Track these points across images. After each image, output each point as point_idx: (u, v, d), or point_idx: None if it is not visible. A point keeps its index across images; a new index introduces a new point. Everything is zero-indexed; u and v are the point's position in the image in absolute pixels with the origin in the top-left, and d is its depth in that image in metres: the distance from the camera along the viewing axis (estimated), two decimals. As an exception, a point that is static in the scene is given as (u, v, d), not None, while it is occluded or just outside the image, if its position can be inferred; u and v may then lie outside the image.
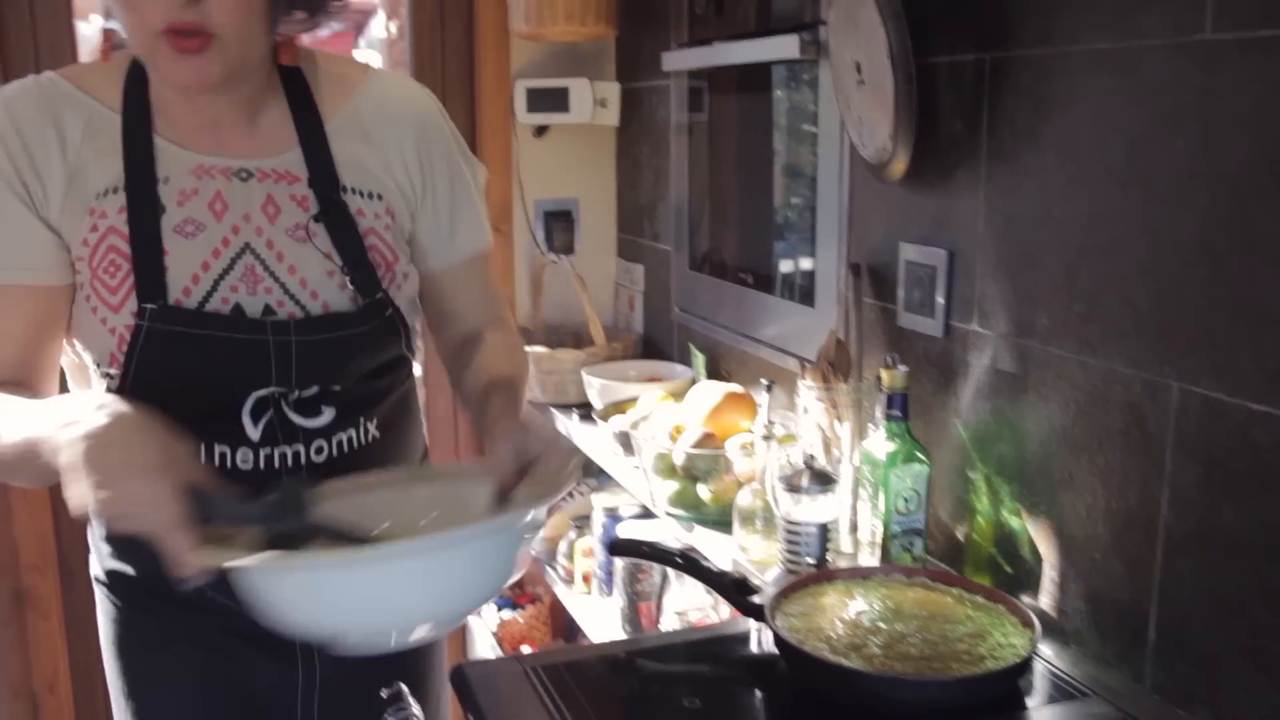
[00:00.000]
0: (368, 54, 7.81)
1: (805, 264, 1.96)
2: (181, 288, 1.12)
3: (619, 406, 2.18)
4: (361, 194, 1.23)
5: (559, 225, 2.69)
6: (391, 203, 1.25)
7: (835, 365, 1.66)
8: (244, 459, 1.17)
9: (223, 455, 1.17)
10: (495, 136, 2.62)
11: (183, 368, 1.13)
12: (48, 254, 1.13)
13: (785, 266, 2.08)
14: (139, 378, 1.13)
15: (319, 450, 1.21)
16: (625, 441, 2.02)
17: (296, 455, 1.19)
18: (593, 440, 2.24)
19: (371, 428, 1.26)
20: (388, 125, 1.26)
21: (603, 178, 2.74)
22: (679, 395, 2.19)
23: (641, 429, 1.92)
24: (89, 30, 2.51)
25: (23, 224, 1.12)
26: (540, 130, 2.64)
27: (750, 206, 2.24)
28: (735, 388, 1.94)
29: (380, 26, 6.31)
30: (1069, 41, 1.31)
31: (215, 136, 1.18)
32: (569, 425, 2.38)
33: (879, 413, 1.49)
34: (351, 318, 1.20)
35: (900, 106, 1.50)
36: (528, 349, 2.47)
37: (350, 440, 1.24)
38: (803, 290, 1.96)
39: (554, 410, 2.46)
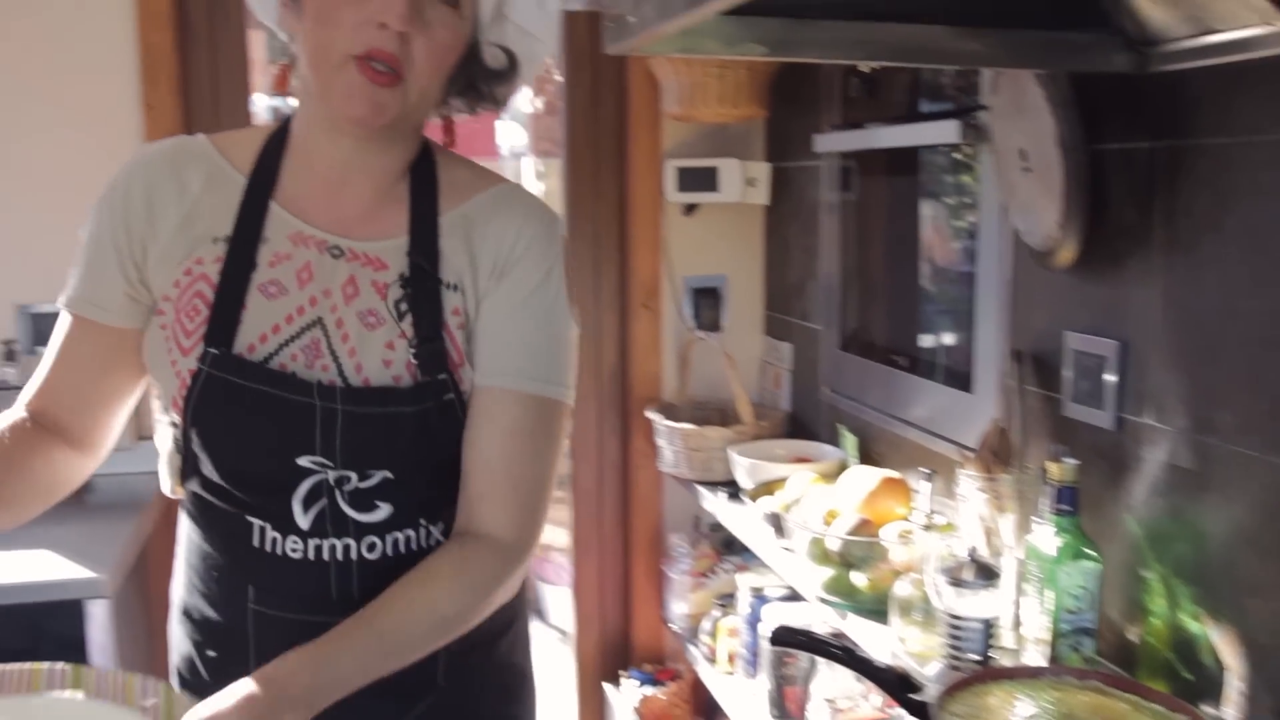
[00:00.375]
0: (510, 127, 8.05)
1: (962, 348, 1.93)
2: (248, 343, 1.13)
3: (768, 486, 2.17)
4: (447, 286, 1.18)
5: (706, 302, 2.71)
6: (468, 303, 1.18)
7: (998, 454, 1.62)
8: (294, 547, 1.16)
9: (274, 540, 1.16)
10: (645, 214, 2.66)
11: (232, 420, 1.14)
12: (124, 299, 1.17)
13: (940, 350, 2.05)
14: (196, 428, 1.14)
15: (371, 547, 1.16)
16: (777, 523, 2.00)
17: (347, 549, 1.16)
18: (740, 519, 2.23)
19: (435, 531, 1.20)
20: (488, 231, 1.19)
21: (750, 255, 2.76)
22: (829, 477, 2.17)
23: (794, 512, 1.90)
24: (270, 104, 2.64)
25: (110, 268, 1.16)
26: (690, 208, 2.68)
27: (902, 288, 2.22)
28: (890, 473, 1.91)
29: (525, 101, 6.49)
30: (1252, 132, 1.27)
31: (329, 207, 1.18)
32: (715, 503, 2.38)
33: (1045, 506, 1.45)
34: (401, 395, 1.14)
35: (1069, 194, 1.48)
36: (674, 425, 2.50)
37: (409, 541, 1.18)
38: (959, 375, 1.93)
39: (700, 487, 2.46)
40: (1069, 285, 1.60)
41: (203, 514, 1.22)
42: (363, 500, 1.15)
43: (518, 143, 7.95)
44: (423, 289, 1.16)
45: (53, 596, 1.85)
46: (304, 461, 1.13)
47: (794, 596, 2.15)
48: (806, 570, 1.83)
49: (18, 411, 1.21)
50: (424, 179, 1.21)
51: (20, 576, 1.85)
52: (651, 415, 2.60)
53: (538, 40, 1.23)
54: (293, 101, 1.22)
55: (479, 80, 1.21)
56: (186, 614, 1.27)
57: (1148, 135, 1.43)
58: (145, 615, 2.37)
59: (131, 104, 2.36)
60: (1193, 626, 1.36)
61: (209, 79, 2.46)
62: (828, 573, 1.77)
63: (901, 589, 1.63)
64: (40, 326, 2.37)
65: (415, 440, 1.14)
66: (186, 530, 1.25)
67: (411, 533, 1.18)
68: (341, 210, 1.18)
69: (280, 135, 1.20)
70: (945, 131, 1.83)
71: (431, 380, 1.15)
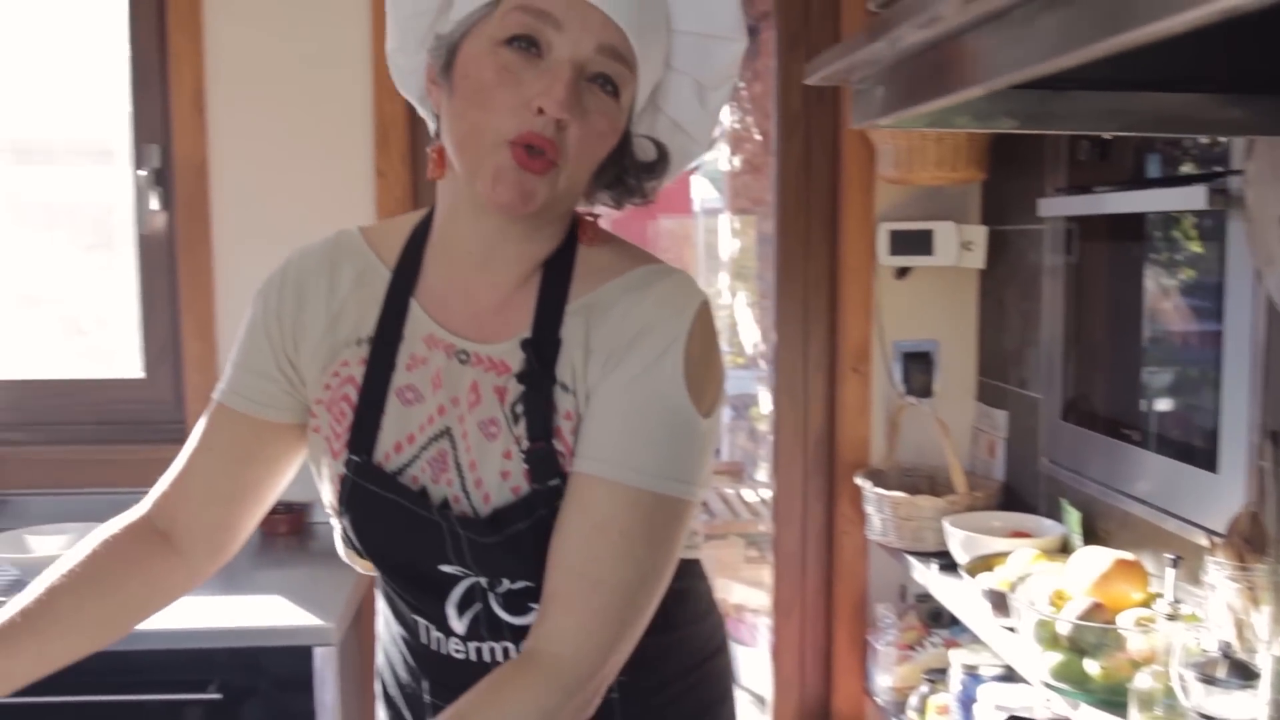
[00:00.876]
0: (704, 185, 8.12)
1: (1204, 423, 1.82)
2: (384, 451, 1.12)
3: (986, 561, 2.09)
4: (561, 386, 1.10)
5: (917, 367, 2.65)
6: (579, 404, 1.10)
7: (1250, 542, 1.52)
8: (457, 649, 1.15)
9: (438, 640, 1.16)
10: (856, 277, 2.63)
11: (378, 525, 1.13)
12: (271, 392, 1.17)
13: (1178, 425, 1.95)
14: (353, 528, 1.14)
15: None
16: (999, 602, 1.92)
17: (506, 651, 1.14)
18: (954, 593, 2.15)
19: None
20: (608, 318, 1.10)
21: (964, 320, 2.68)
22: (1051, 553, 2.07)
23: (1018, 590, 1.82)
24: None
25: (262, 360, 1.17)
26: (902, 271, 2.63)
27: (1134, 357, 2.12)
28: (1125, 555, 1.81)
29: (722, 158, 6.54)
30: None
31: (464, 301, 1.14)
32: (926, 574, 2.31)
33: (1308, 600, 1.35)
34: (515, 511, 1.08)
35: (1340, 267, 1.39)
36: (885, 493, 2.44)
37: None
38: (1201, 452, 1.82)
39: (910, 557, 2.39)
40: (1333, 363, 1.49)
41: (385, 595, 1.23)
42: (515, 603, 1.12)
43: (711, 199, 8.01)
44: (537, 389, 1.08)
45: (282, 642, 1.93)
46: (446, 569, 1.12)
47: (1011, 677, 2.05)
48: (1031, 653, 1.74)
49: (138, 511, 1.21)
50: (560, 268, 1.13)
51: (251, 620, 1.94)
52: (860, 481, 2.55)
53: (692, 138, 1.18)
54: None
55: (628, 173, 1.15)
56: (383, 687, 1.29)
57: None
58: (368, 659, 2.45)
59: (365, 171, 2.48)
60: None
61: (437, 144, 2.57)
62: (1056, 657, 1.69)
63: (1142, 681, 1.54)
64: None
65: (540, 549, 1.06)
66: (382, 602, 1.26)
67: None
68: (476, 304, 1.13)
69: (425, 224, 1.18)
70: (1191, 198, 1.74)
71: (544, 488, 1.07)
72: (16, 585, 2.08)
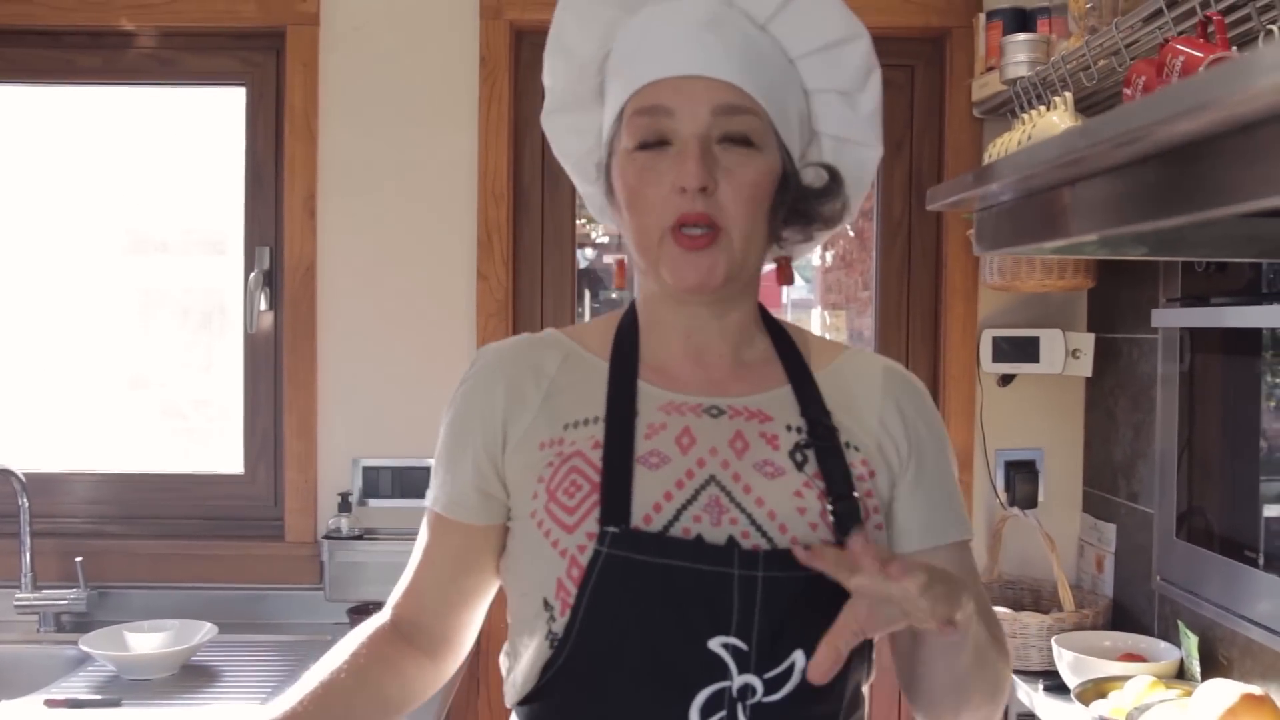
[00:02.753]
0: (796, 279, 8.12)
1: (1335, 551, 1.73)
2: (643, 515, 1.06)
3: (1099, 686, 2.00)
4: (846, 443, 1.15)
5: (1021, 476, 2.58)
6: (872, 462, 1.16)
7: (1394, 683, 1.43)
8: None
9: None
10: (958, 384, 2.58)
11: (638, 603, 1.04)
12: (481, 495, 1.17)
13: (1306, 550, 1.86)
14: (588, 615, 1.05)
15: None
16: (1113, 732, 1.84)
17: None
18: (1063, 718, 2.06)
19: None
20: (871, 387, 1.20)
21: (1070, 429, 2.62)
22: (1168, 679, 1.98)
23: (1137, 723, 1.74)
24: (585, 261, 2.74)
25: (467, 463, 1.17)
26: (1006, 379, 2.58)
27: (1251, 473, 2.03)
28: (1252, 689, 1.72)
29: (815, 254, 6.54)
30: None
31: (694, 373, 1.17)
32: (1033, 696, 2.22)
33: None
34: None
35: None
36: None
37: None
38: (1331, 580, 1.73)
39: (1015, 677, 2.30)
40: None
41: None
42: (766, 716, 1.04)
43: (800, 293, 8.01)
44: (826, 445, 1.13)
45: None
46: (715, 645, 1.03)
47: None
48: (1154, 791, 1.66)
49: (383, 617, 1.25)
50: (777, 332, 1.23)
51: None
52: (961, 594, 2.47)
53: (860, 145, 1.20)
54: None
55: (802, 204, 1.17)
56: None
57: None
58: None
59: (467, 273, 2.52)
60: None
61: (538, 247, 2.60)
62: (1182, 798, 1.60)
63: (1279, 831, 1.45)
64: (370, 479, 2.51)
65: (834, 612, 1.00)
66: None
67: None
68: (709, 370, 1.18)
69: (630, 317, 1.22)
70: (1319, 316, 1.68)
71: (847, 538, 1.04)
72: (113, 682, 2.10)
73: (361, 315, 2.53)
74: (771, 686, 1.04)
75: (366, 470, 2.52)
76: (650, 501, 1.07)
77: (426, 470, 2.50)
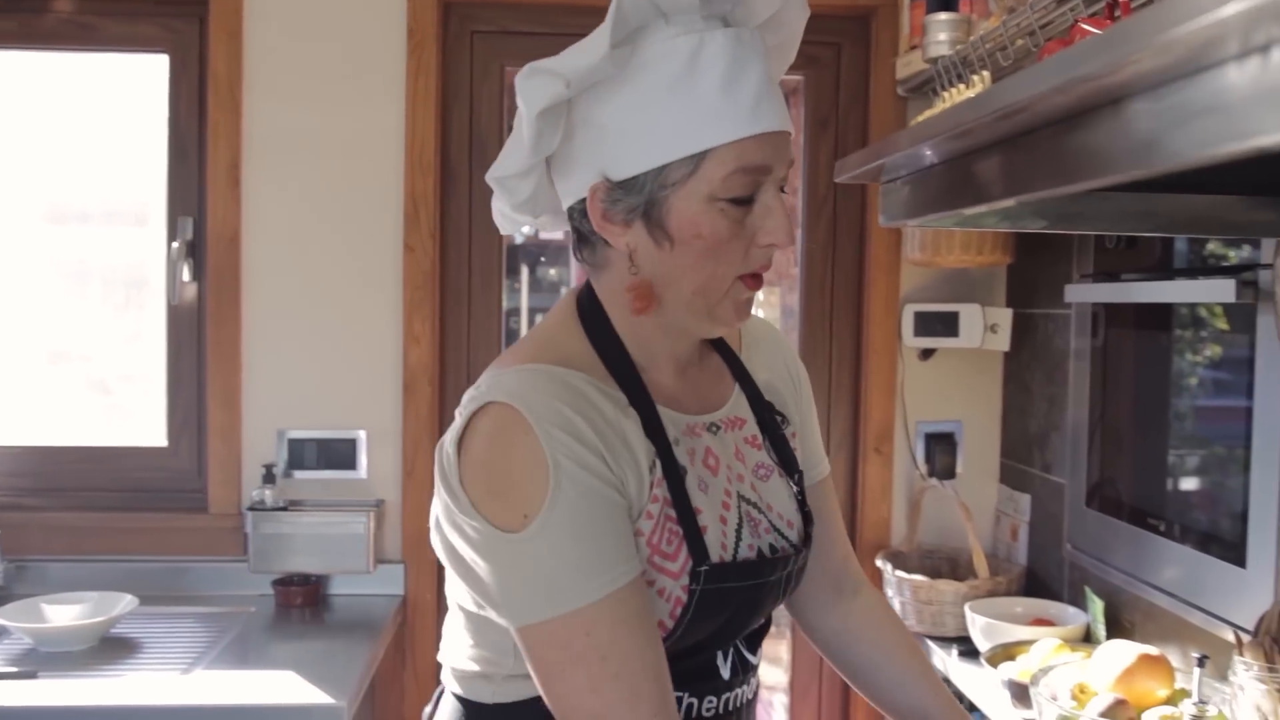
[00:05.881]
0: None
1: (1233, 517, 1.80)
2: (719, 544, 1.11)
3: (1008, 650, 2.06)
4: (780, 416, 1.28)
5: (940, 448, 2.63)
6: (793, 424, 1.30)
7: (1279, 643, 1.50)
8: (708, 708, 1.16)
9: (690, 705, 1.15)
10: (880, 358, 2.63)
11: (719, 618, 1.12)
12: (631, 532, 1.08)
13: (1206, 518, 1.93)
14: (688, 633, 1.10)
15: (754, 689, 1.22)
16: (1019, 693, 1.89)
17: (741, 694, 1.20)
18: (973, 680, 2.12)
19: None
20: (771, 354, 1.33)
21: (988, 402, 2.68)
22: (1074, 643, 2.05)
23: (1041, 684, 1.79)
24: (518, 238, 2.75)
25: (625, 514, 1.06)
26: (926, 353, 2.63)
27: (1159, 445, 2.10)
28: (1150, 650, 1.79)
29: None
30: None
31: (684, 392, 1.19)
32: (945, 660, 2.28)
33: (1341, 706, 1.32)
34: (808, 534, 1.24)
35: (1370, 368, 1.38)
36: (905, 576, 2.42)
37: (758, 679, 1.25)
38: (1229, 546, 1.80)
39: (930, 642, 2.36)
40: (1364, 462, 1.48)
41: None
42: (753, 642, 1.22)
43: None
44: (775, 431, 1.25)
45: (293, 720, 1.92)
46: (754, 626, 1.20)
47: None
48: (1056, 749, 1.71)
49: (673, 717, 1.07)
50: None
51: (265, 698, 1.92)
52: (880, 563, 2.53)
53: None
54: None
55: None
56: None
57: None
58: (374, 735, 2.43)
59: (394, 246, 2.51)
60: None
61: (465, 220, 2.60)
62: (1081, 755, 1.66)
63: (1170, 783, 1.51)
64: (296, 451, 2.51)
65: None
66: None
67: (761, 666, 1.25)
68: (695, 386, 1.21)
69: (613, 345, 1.14)
70: (1220, 290, 1.74)
71: (809, 510, 1.26)
72: (30, 655, 2.08)
73: (287, 286, 2.51)
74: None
75: (292, 442, 2.51)
76: (717, 530, 1.12)
77: (352, 442, 2.52)
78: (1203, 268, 1.92)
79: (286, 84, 2.49)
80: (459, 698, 1.18)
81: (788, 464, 1.25)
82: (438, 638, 2.58)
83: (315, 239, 2.51)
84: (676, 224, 1.06)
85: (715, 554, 1.10)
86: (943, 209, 1.00)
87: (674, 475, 1.09)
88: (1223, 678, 1.64)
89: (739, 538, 1.14)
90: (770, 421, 1.25)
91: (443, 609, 2.60)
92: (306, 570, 2.46)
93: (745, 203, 1.06)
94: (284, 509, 2.44)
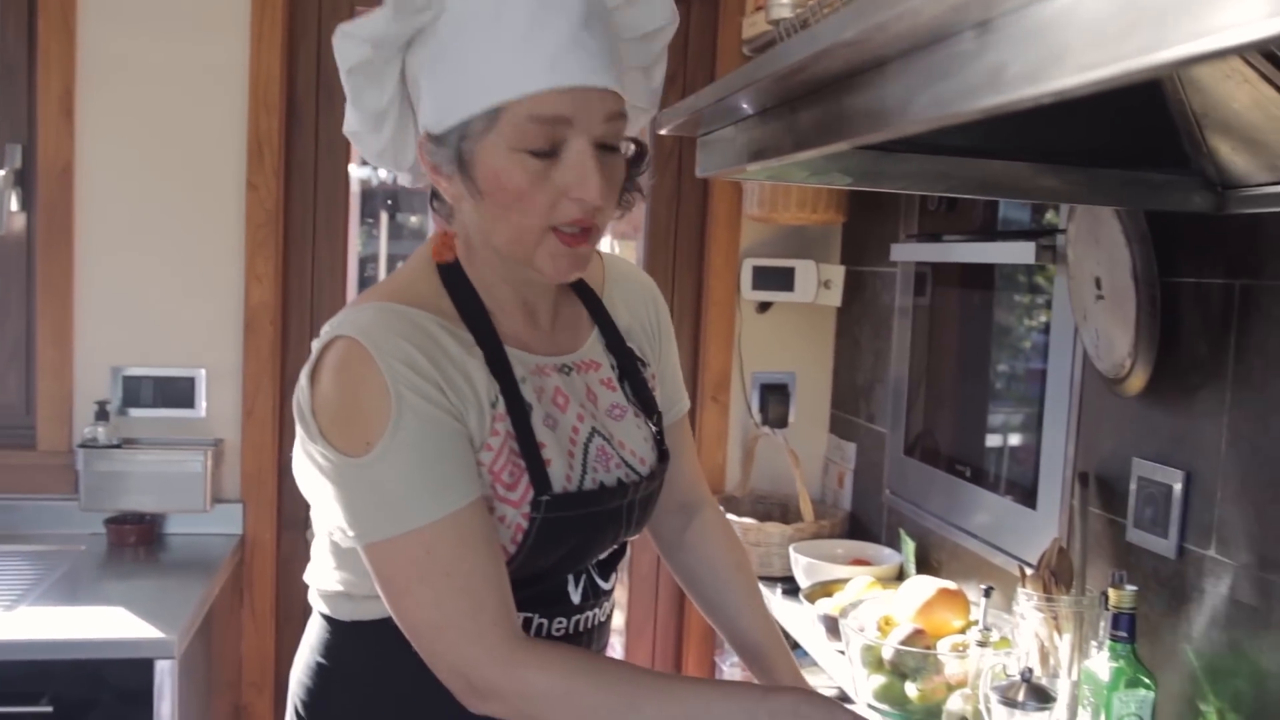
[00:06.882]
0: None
1: (1027, 464, 1.95)
2: (564, 476, 1.17)
3: (826, 587, 2.19)
4: (640, 361, 1.33)
5: (774, 398, 2.75)
6: (652, 366, 1.36)
7: (1057, 574, 1.64)
8: (558, 628, 1.22)
9: (540, 626, 1.20)
10: (719, 310, 2.72)
11: (562, 545, 1.18)
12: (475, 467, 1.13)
13: (1005, 464, 2.07)
14: (533, 559, 1.16)
15: (606, 612, 1.29)
16: (832, 626, 2.02)
17: (592, 617, 1.26)
18: (795, 617, 2.24)
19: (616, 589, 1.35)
20: (636, 299, 1.37)
21: (820, 355, 2.80)
22: (887, 581, 2.18)
23: (850, 617, 1.91)
24: (358, 174, 2.72)
25: (466, 441, 1.11)
26: (764, 306, 2.73)
27: (969, 397, 2.25)
28: (948, 584, 1.92)
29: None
30: (1326, 278, 1.30)
31: (533, 334, 1.23)
32: (771, 599, 2.39)
33: (1103, 630, 1.46)
34: (662, 468, 1.31)
35: (1141, 325, 1.51)
36: (736, 519, 2.53)
37: (612, 603, 1.31)
38: (1022, 490, 1.95)
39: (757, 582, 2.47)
40: (1137, 412, 1.62)
41: None
42: (605, 569, 1.28)
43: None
44: (634, 374, 1.30)
45: (122, 654, 1.91)
46: (604, 554, 1.26)
47: (844, 699, 2.15)
48: (859, 675, 1.84)
49: (513, 632, 1.10)
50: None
51: (92, 632, 1.92)
52: (713, 507, 2.62)
53: (646, 111, 1.28)
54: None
55: (629, 181, 1.23)
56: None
57: (1222, 273, 1.46)
58: (207, 672, 2.43)
59: (236, 183, 2.48)
60: (1250, 766, 1.36)
61: (311, 160, 2.58)
62: (879, 680, 1.78)
63: (953, 704, 1.64)
64: (131, 388, 2.47)
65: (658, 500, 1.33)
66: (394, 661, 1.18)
67: (616, 591, 1.32)
68: (543, 328, 1.24)
69: (463, 287, 1.19)
70: (1020, 252, 1.86)
71: (666, 449, 1.32)
72: None
73: (124, 220, 2.46)
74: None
75: (127, 379, 2.47)
76: (563, 463, 1.17)
77: (190, 381, 2.49)
78: (1010, 231, 2.04)
79: (125, 11, 2.42)
80: (324, 616, 1.25)
81: (646, 405, 1.30)
82: (277, 577, 2.62)
83: (155, 172, 2.46)
84: (482, 175, 1.09)
85: (559, 485, 1.16)
86: (745, 162, 1.06)
87: (519, 411, 1.15)
88: (1010, 609, 1.78)
89: (585, 471, 1.19)
90: (630, 366, 1.30)
91: (281, 549, 2.63)
92: (141, 509, 2.44)
93: (547, 155, 1.07)
94: (118, 446, 2.40)
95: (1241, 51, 0.42)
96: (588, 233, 1.12)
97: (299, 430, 1.13)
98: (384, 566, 1.10)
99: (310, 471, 1.13)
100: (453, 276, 1.19)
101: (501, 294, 1.20)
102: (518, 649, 1.08)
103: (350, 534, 1.11)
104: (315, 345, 1.13)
